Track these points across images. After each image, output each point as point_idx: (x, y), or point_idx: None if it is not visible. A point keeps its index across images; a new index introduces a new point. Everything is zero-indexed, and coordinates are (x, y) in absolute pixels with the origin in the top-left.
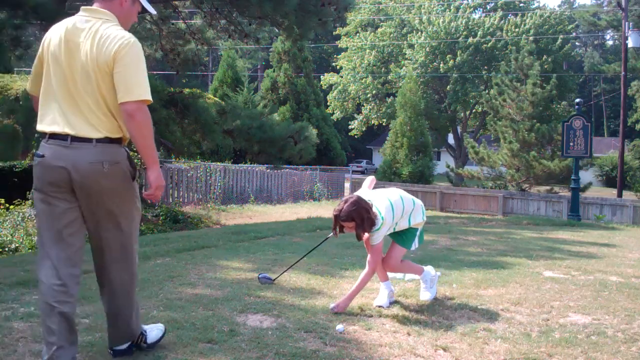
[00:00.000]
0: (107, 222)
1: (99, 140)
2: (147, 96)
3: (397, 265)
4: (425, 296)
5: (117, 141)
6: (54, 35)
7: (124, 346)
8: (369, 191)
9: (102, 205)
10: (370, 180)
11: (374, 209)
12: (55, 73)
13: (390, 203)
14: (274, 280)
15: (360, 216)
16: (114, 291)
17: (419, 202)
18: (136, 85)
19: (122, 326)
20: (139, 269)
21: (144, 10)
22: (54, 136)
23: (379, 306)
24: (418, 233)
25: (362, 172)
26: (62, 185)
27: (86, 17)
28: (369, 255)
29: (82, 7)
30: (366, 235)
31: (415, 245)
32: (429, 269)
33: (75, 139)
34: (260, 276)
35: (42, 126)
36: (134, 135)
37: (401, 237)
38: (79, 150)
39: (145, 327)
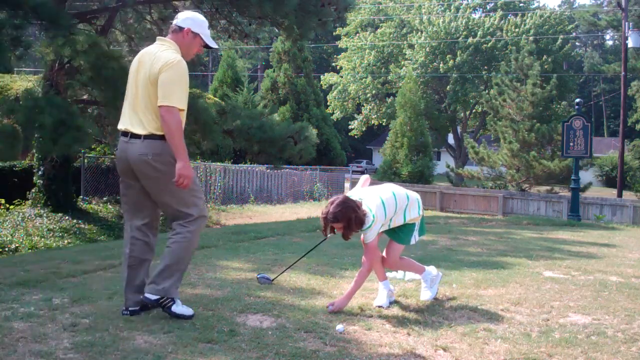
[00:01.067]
0: (159, 197)
1: (145, 137)
2: (177, 104)
3: (396, 262)
4: (425, 296)
5: (161, 137)
6: (136, 56)
7: (154, 297)
8: (361, 189)
9: (153, 185)
10: (364, 179)
11: (364, 207)
12: (129, 84)
13: (382, 200)
14: (273, 280)
15: (346, 216)
16: (169, 245)
17: (414, 195)
18: (170, 94)
19: (164, 277)
20: None
21: (206, 45)
22: (122, 133)
23: (379, 306)
24: (417, 227)
25: (362, 172)
26: (127, 172)
27: (158, 44)
28: (364, 254)
29: (158, 37)
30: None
31: (415, 239)
32: (430, 268)
33: (132, 135)
34: (259, 276)
35: (118, 125)
36: (165, 132)
37: (397, 234)
38: (133, 145)
39: (178, 301)
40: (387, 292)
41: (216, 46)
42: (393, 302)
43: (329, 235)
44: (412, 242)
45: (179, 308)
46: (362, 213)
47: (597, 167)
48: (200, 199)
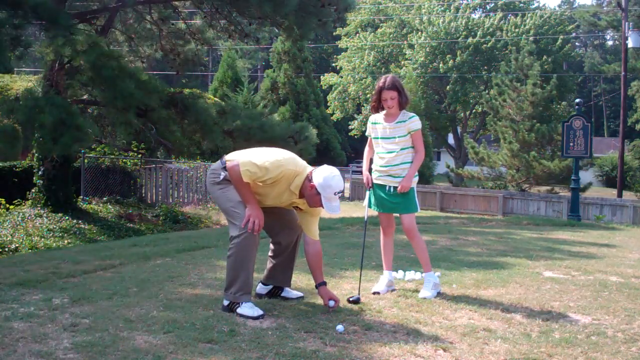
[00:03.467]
0: None
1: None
2: (229, 164)
3: (414, 227)
4: (423, 294)
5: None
6: None
7: (225, 303)
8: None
9: None
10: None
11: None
12: None
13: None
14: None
15: (402, 86)
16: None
17: None
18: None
19: (227, 281)
20: (139, 269)
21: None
22: None
23: (376, 292)
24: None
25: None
26: None
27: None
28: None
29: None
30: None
31: (418, 206)
32: (436, 274)
33: None
34: (351, 299)
35: None
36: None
37: (401, 204)
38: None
39: (247, 304)
40: (388, 281)
41: (337, 212)
42: (392, 291)
43: (377, 110)
44: (418, 209)
45: (245, 309)
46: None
47: (597, 167)
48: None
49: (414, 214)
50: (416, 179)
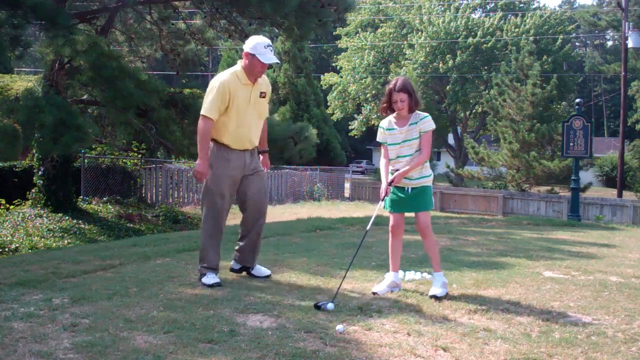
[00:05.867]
0: None
1: None
2: (204, 112)
3: (429, 225)
4: (433, 292)
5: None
6: None
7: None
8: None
9: None
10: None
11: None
12: None
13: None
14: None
15: (411, 87)
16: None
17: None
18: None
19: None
20: (139, 269)
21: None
22: None
23: (375, 292)
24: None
25: (362, 173)
26: None
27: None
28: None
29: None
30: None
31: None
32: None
33: None
34: (322, 305)
35: None
36: None
37: (418, 202)
38: None
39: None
40: (391, 282)
41: (275, 61)
42: (395, 291)
43: (386, 112)
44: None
45: (207, 279)
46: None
47: (597, 167)
48: (207, 199)
49: (430, 212)
50: (431, 177)
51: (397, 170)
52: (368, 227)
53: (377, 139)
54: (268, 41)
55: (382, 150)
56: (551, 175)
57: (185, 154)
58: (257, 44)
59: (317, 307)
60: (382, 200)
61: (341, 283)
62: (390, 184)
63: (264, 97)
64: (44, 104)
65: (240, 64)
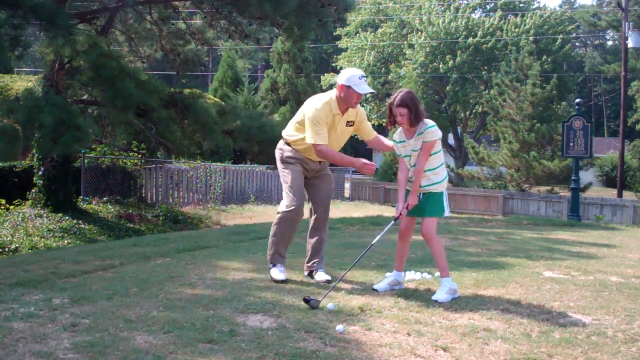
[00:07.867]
0: None
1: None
2: (315, 141)
3: (432, 230)
4: (437, 297)
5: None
6: None
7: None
8: None
9: None
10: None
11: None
12: None
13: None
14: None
15: (412, 101)
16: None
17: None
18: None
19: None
20: (139, 269)
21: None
22: None
23: (374, 289)
24: (445, 198)
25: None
26: None
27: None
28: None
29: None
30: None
31: (447, 210)
32: (436, 274)
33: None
34: (309, 299)
35: None
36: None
37: (424, 208)
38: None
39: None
40: (392, 280)
41: (370, 91)
42: (396, 290)
43: (392, 127)
44: (446, 213)
45: (274, 273)
46: (423, 113)
47: (597, 167)
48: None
49: (437, 218)
50: (441, 183)
51: (412, 181)
52: (374, 241)
53: (396, 153)
54: (361, 72)
55: (399, 164)
56: (551, 175)
57: (185, 154)
58: (352, 76)
59: (306, 301)
60: (395, 220)
61: (335, 284)
62: (407, 207)
63: (351, 126)
64: (44, 104)
65: (333, 93)
